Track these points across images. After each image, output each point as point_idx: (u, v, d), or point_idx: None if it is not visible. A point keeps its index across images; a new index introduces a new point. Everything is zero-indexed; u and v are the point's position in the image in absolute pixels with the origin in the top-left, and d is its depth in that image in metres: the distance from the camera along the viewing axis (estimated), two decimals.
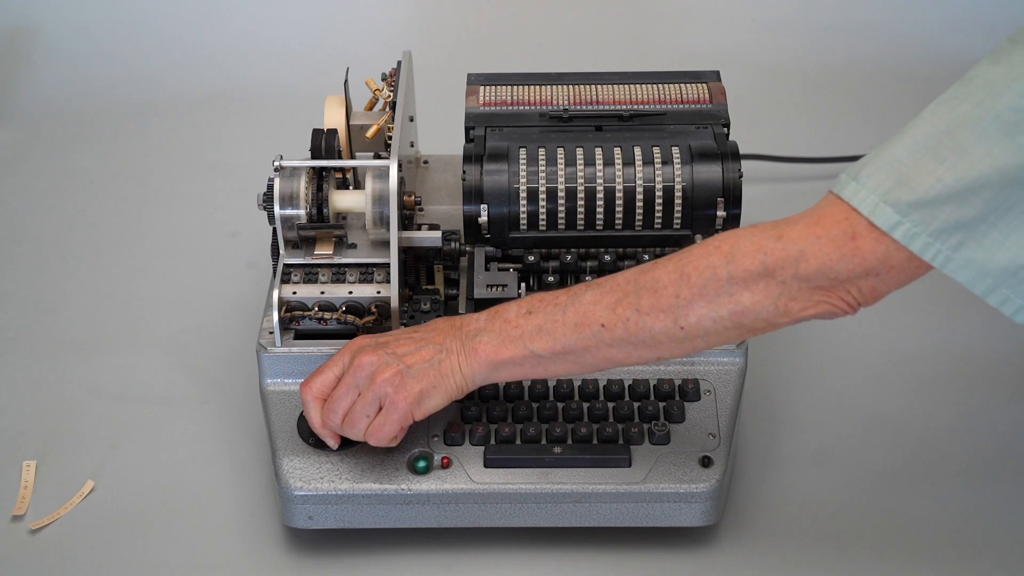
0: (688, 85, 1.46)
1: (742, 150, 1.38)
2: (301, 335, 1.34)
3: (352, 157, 1.46)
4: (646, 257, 1.35)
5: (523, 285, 1.34)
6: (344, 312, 1.32)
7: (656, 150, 1.37)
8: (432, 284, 1.40)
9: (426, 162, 1.56)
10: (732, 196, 1.35)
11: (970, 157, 1.04)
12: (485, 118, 1.43)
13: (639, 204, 1.36)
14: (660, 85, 1.46)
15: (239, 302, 1.57)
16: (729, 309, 1.11)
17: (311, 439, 1.28)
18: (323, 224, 1.35)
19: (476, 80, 1.48)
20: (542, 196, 1.36)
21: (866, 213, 1.06)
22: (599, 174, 1.36)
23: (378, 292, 1.33)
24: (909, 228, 1.05)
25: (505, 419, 1.29)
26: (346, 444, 1.28)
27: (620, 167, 1.36)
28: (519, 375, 1.21)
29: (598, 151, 1.38)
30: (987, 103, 1.04)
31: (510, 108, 1.44)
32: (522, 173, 1.36)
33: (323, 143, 1.38)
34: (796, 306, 1.10)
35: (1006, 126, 1.03)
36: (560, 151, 1.38)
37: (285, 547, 1.31)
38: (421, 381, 1.20)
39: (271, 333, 1.32)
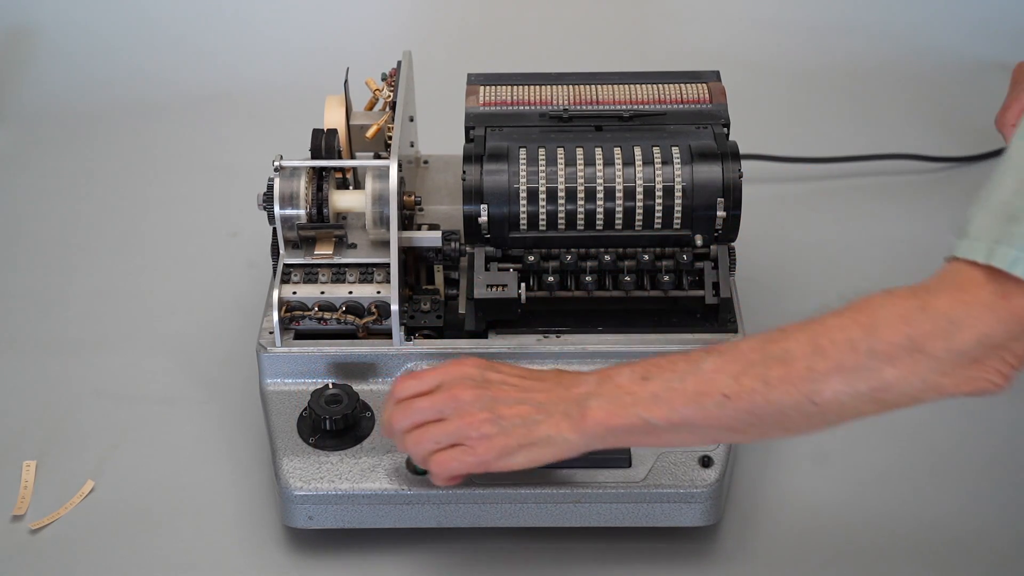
0: (688, 85, 1.46)
1: (742, 150, 1.38)
2: (301, 335, 1.34)
3: (352, 157, 1.46)
4: (646, 257, 1.35)
5: (523, 285, 1.34)
6: (344, 312, 1.32)
7: (656, 150, 1.37)
8: (432, 284, 1.40)
9: (426, 162, 1.56)
10: (732, 196, 1.35)
11: None
12: (485, 118, 1.43)
13: (639, 204, 1.36)
14: (660, 85, 1.46)
15: (239, 302, 1.57)
16: (870, 385, 1.03)
17: (311, 439, 1.28)
18: (323, 224, 1.35)
19: (476, 80, 1.48)
20: (542, 196, 1.36)
21: (983, 260, 1.00)
22: (599, 174, 1.36)
23: (378, 292, 1.33)
24: None
25: None
26: (344, 445, 1.28)
27: (620, 167, 1.36)
28: (631, 443, 1.16)
29: (598, 151, 1.38)
30: None
31: (510, 108, 1.44)
32: (522, 173, 1.36)
33: (323, 143, 1.38)
34: (948, 382, 1.02)
35: None
36: (560, 151, 1.38)
37: (285, 547, 1.31)
38: (509, 437, 1.13)
39: (271, 333, 1.32)
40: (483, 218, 1.36)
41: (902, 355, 1.02)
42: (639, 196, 1.36)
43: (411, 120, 1.50)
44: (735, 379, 1.07)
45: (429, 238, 1.36)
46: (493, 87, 1.46)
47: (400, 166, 1.34)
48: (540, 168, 1.37)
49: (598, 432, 1.12)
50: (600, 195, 1.36)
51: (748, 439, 1.11)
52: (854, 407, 1.05)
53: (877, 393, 1.04)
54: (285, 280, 1.34)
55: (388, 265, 1.34)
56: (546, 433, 1.13)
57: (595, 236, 1.37)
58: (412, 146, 1.52)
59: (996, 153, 1.74)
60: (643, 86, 1.46)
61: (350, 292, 1.33)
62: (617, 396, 1.11)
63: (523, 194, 1.36)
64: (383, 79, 1.48)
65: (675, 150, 1.37)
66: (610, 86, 1.46)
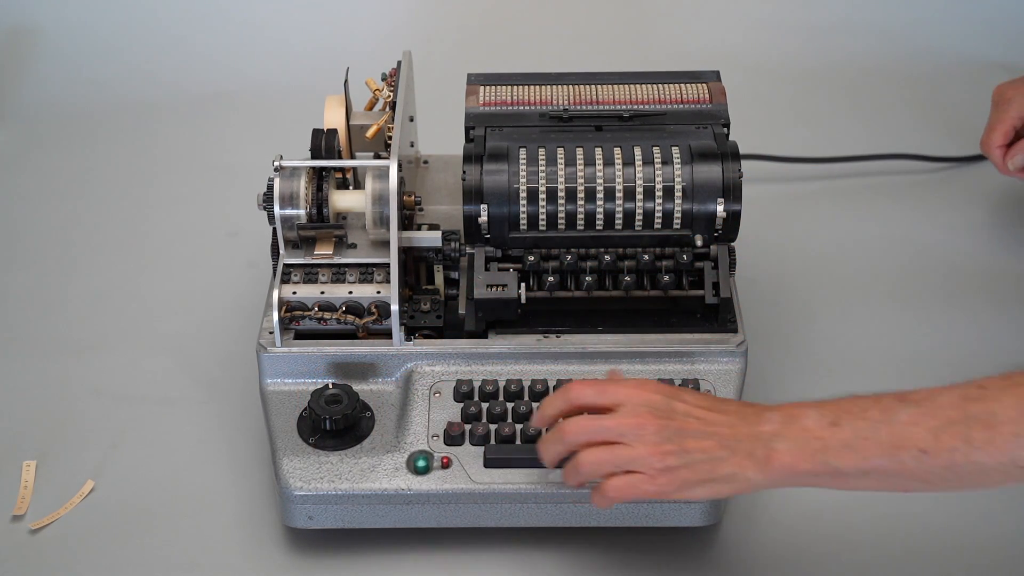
0: (688, 85, 1.46)
1: (742, 150, 1.38)
2: (301, 335, 1.34)
3: (352, 157, 1.46)
4: (646, 257, 1.35)
5: (523, 285, 1.34)
6: (344, 312, 1.32)
7: (656, 150, 1.37)
8: (432, 284, 1.40)
9: (426, 162, 1.56)
10: (732, 196, 1.35)
11: None
12: (485, 118, 1.43)
13: (639, 204, 1.36)
14: (660, 85, 1.46)
15: (239, 302, 1.57)
16: None
17: (311, 439, 1.28)
18: (323, 224, 1.35)
19: (476, 80, 1.48)
20: (542, 196, 1.36)
21: None
22: (599, 174, 1.36)
23: (378, 292, 1.33)
24: None
25: (505, 419, 1.29)
26: (344, 445, 1.28)
27: (620, 167, 1.36)
28: (813, 485, 1.15)
29: (598, 151, 1.38)
30: None
31: (510, 108, 1.44)
32: (522, 173, 1.36)
33: (323, 143, 1.38)
34: None
35: None
36: (560, 151, 1.38)
37: (285, 547, 1.31)
38: (692, 472, 1.13)
39: (271, 333, 1.32)
40: (483, 218, 1.36)
41: None
42: (639, 196, 1.36)
43: (411, 120, 1.50)
44: (934, 435, 1.07)
45: (429, 238, 1.36)
46: (493, 87, 1.46)
47: (400, 166, 1.34)
48: (540, 168, 1.36)
49: (783, 475, 1.12)
50: (600, 195, 1.36)
51: (938, 491, 1.10)
52: None
53: None
54: (285, 280, 1.34)
55: (388, 265, 1.34)
56: (730, 471, 1.12)
57: (595, 236, 1.37)
58: (412, 146, 1.52)
59: None
60: (643, 86, 1.46)
61: (350, 292, 1.33)
62: (805, 440, 1.11)
63: (523, 194, 1.36)
64: (383, 79, 1.48)
65: (675, 150, 1.37)
66: (610, 86, 1.46)
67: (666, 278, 1.34)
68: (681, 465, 1.13)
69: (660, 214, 1.36)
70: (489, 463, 1.26)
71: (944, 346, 1.53)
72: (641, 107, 1.44)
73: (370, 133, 1.45)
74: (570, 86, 1.46)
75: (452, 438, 1.28)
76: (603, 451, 1.14)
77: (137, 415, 1.46)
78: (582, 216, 1.36)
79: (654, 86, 1.46)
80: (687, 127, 1.41)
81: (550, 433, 1.19)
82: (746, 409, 1.15)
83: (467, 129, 1.42)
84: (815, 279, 1.62)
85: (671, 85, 1.46)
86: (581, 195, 1.36)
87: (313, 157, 1.38)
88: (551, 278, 1.35)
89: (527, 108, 1.44)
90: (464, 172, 1.37)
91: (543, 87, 1.46)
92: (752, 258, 1.54)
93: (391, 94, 1.46)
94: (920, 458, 1.07)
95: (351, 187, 1.43)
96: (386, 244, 1.34)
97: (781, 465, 1.11)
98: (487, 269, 1.36)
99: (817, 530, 1.32)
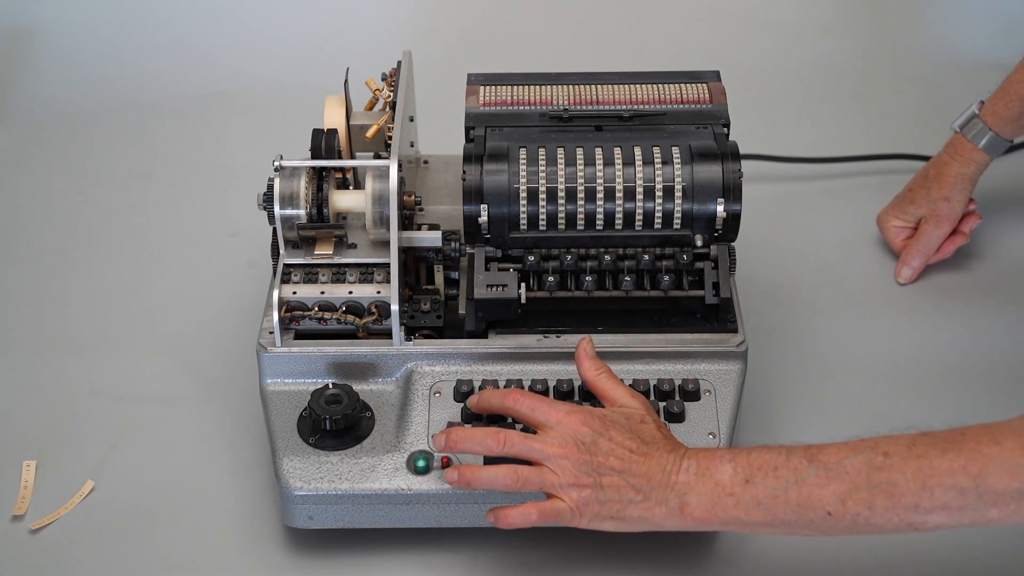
0: (688, 85, 1.46)
1: (742, 150, 1.38)
2: (301, 335, 1.34)
3: (352, 157, 1.46)
4: (646, 257, 1.35)
5: (523, 285, 1.34)
6: (344, 312, 1.32)
7: (656, 150, 1.37)
8: (432, 284, 1.40)
9: (426, 162, 1.56)
10: (732, 196, 1.35)
11: None
12: (485, 118, 1.43)
13: (639, 204, 1.36)
14: (660, 85, 1.46)
15: (239, 302, 1.57)
16: (972, 520, 1.10)
17: (311, 439, 1.29)
18: (323, 224, 1.35)
19: (476, 80, 1.48)
20: (542, 196, 1.36)
21: None
22: (599, 174, 1.36)
23: (378, 292, 1.33)
24: None
25: (504, 419, 1.29)
26: (344, 445, 1.28)
27: (620, 167, 1.36)
28: (721, 530, 1.22)
29: (598, 151, 1.38)
30: None
31: (510, 108, 1.44)
32: (522, 173, 1.36)
33: (323, 143, 1.38)
34: None
35: None
36: (560, 151, 1.38)
37: (285, 547, 1.31)
38: (603, 507, 1.18)
39: (271, 333, 1.32)
40: (483, 218, 1.36)
41: (1008, 501, 1.08)
42: (639, 196, 1.36)
43: (411, 120, 1.50)
44: (840, 500, 1.12)
45: (429, 238, 1.36)
46: (493, 87, 1.46)
47: (400, 166, 1.34)
48: (540, 168, 1.36)
49: (694, 524, 1.17)
50: (600, 195, 1.36)
51: (837, 536, 1.16)
52: (951, 529, 1.12)
53: (977, 524, 1.11)
54: (285, 280, 1.34)
55: (388, 265, 1.34)
56: (639, 514, 1.18)
57: (595, 236, 1.37)
58: (412, 146, 1.52)
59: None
60: (643, 86, 1.46)
61: (350, 292, 1.33)
62: (718, 496, 1.16)
63: (523, 194, 1.36)
64: (383, 79, 1.49)
65: (675, 150, 1.37)
66: (610, 86, 1.46)
67: (666, 278, 1.34)
68: (594, 500, 1.18)
69: (660, 214, 1.36)
70: (489, 463, 1.26)
71: (943, 346, 1.53)
72: (641, 107, 1.44)
73: (370, 133, 1.45)
74: (570, 86, 1.46)
75: None
76: (533, 471, 1.19)
77: (137, 415, 1.46)
78: (582, 216, 1.36)
79: (654, 86, 1.46)
80: (687, 127, 1.41)
81: (480, 430, 1.22)
82: (667, 456, 1.19)
83: (467, 129, 1.42)
84: (815, 279, 1.62)
85: (671, 85, 1.46)
86: (581, 195, 1.36)
87: (313, 157, 1.38)
88: (551, 278, 1.35)
89: (527, 108, 1.44)
90: (464, 172, 1.37)
91: (543, 87, 1.46)
92: (752, 258, 1.54)
93: (391, 94, 1.46)
94: (826, 519, 1.13)
95: (351, 187, 1.43)
96: (386, 244, 1.35)
97: (693, 517, 1.17)
98: (487, 269, 1.36)
99: None
